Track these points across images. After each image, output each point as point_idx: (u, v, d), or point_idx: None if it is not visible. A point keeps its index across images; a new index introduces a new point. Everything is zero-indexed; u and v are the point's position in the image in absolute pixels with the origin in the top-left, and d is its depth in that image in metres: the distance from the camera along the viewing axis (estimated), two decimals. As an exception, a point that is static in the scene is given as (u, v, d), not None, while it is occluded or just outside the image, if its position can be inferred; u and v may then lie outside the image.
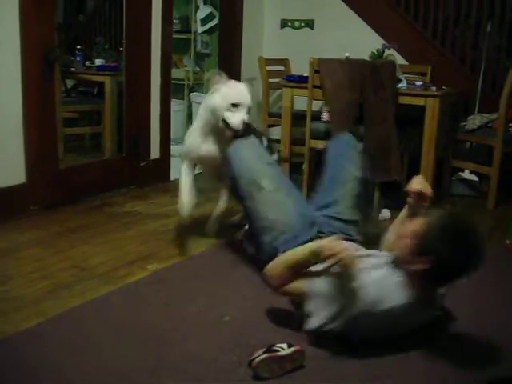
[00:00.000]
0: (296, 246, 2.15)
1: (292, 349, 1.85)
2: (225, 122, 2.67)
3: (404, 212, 2.32)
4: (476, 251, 1.89)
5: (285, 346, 1.86)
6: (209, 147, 2.82)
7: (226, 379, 1.81)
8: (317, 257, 1.96)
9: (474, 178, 4.52)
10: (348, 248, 1.94)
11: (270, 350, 1.83)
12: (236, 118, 2.64)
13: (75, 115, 5.30)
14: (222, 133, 2.71)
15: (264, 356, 1.80)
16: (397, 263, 2.01)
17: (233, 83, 2.75)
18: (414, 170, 4.01)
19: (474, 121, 4.30)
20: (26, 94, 3.26)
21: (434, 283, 1.98)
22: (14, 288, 2.39)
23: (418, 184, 2.23)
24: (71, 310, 2.21)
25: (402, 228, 2.09)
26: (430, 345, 2.01)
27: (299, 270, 2.04)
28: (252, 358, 1.81)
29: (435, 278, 1.94)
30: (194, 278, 2.52)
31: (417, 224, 1.98)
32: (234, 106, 2.64)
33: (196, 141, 2.85)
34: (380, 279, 1.98)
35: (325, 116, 3.96)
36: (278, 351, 1.83)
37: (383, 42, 4.53)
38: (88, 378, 1.77)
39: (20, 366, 1.82)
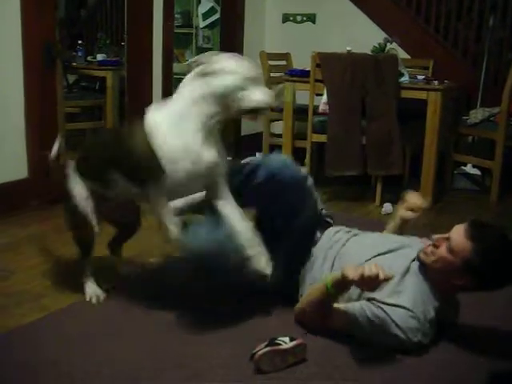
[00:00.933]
0: None
1: (294, 342, 1.85)
2: (244, 105, 1.93)
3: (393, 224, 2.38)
4: None
5: (287, 339, 1.86)
6: (211, 154, 1.99)
7: (227, 373, 1.81)
8: (338, 287, 1.89)
9: (477, 172, 4.51)
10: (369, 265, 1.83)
11: (272, 343, 1.83)
12: (262, 93, 1.92)
13: (77, 110, 5.31)
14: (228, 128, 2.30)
15: (266, 349, 1.80)
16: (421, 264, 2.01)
17: (230, 56, 1.99)
18: (416, 164, 4.02)
19: (477, 115, 4.29)
20: (27, 89, 3.26)
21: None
22: (15, 283, 2.39)
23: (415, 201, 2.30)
24: (72, 305, 2.22)
25: (441, 240, 1.96)
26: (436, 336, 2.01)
27: (324, 309, 1.98)
28: (254, 351, 1.81)
29: (469, 290, 1.95)
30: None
31: (461, 241, 1.89)
32: (251, 80, 1.92)
33: (197, 149, 1.94)
34: (416, 292, 1.95)
35: (321, 107, 3.93)
36: (280, 345, 1.83)
37: (385, 35, 4.51)
38: (88, 373, 1.78)
39: (21, 361, 1.82)
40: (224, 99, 1.92)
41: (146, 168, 1.94)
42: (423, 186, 3.87)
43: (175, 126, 1.93)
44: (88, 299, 2.25)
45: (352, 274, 1.77)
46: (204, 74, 1.92)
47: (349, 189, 4.09)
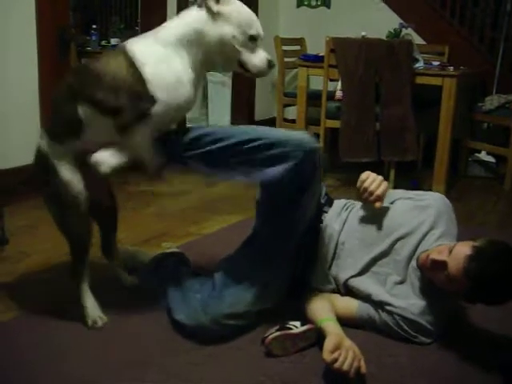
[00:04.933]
0: None
1: (305, 327, 1.86)
2: (240, 63, 1.80)
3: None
4: None
5: (298, 323, 1.87)
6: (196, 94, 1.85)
7: (239, 355, 1.83)
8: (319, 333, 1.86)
9: (491, 159, 4.49)
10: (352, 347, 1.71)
11: (283, 327, 1.84)
12: (260, 58, 1.79)
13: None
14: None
15: (277, 333, 1.81)
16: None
17: (238, 2, 1.81)
18: (430, 151, 4.01)
19: (492, 101, 4.26)
20: (41, 73, 3.27)
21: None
22: (30, 265, 2.42)
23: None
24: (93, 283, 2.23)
25: (439, 262, 1.84)
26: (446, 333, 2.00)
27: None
28: (265, 335, 1.82)
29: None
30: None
31: (459, 276, 1.76)
32: (253, 39, 1.77)
33: (185, 83, 1.77)
34: (419, 294, 1.93)
35: (338, 95, 3.93)
36: (291, 329, 1.84)
37: (400, 21, 4.48)
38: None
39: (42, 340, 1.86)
40: (222, 48, 1.77)
41: (134, 95, 1.72)
42: (437, 173, 3.86)
43: (167, 57, 1.76)
44: (90, 325, 1.92)
45: (327, 355, 1.65)
46: (211, 13, 1.74)
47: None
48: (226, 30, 1.75)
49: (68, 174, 1.87)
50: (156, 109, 1.73)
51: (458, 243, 1.84)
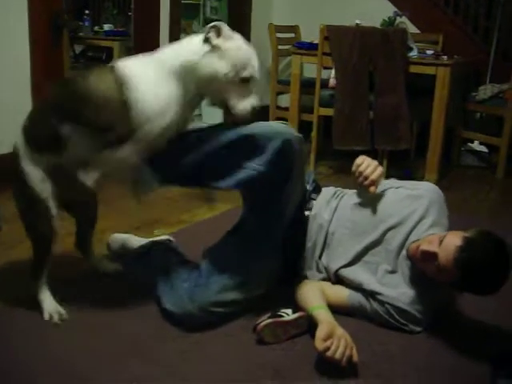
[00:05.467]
0: None
1: (296, 314, 1.87)
2: (226, 101, 1.75)
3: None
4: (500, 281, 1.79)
5: (289, 311, 1.87)
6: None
7: (230, 342, 1.83)
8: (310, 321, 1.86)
9: (484, 149, 4.50)
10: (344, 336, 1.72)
11: (274, 315, 1.84)
12: (244, 104, 1.74)
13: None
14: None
15: (269, 321, 1.81)
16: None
17: (240, 41, 1.74)
18: (423, 140, 4.01)
19: (485, 91, 4.26)
20: (34, 59, 3.24)
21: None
22: (23, 251, 2.41)
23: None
24: (78, 274, 2.23)
25: (428, 254, 1.84)
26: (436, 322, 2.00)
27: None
28: (257, 322, 1.83)
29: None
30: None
31: (449, 266, 1.77)
32: (244, 80, 1.72)
33: (173, 109, 1.73)
34: (410, 284, 1.94)
35: (332, 82, 3.92)
36: (282, 316, 1.84)
37: (395, 9, 4.47)
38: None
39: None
40: (209, 82, 1.72)
41: (119, 118, 1.69)
42: (429, 162, 3.86)
43: (160, 82, 1.71)
44: (47, 318, 1.88)
45: (319, 343, 1.66)
46: (210, 45, 1.70)
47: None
48: (219, 66, 1.69)
49: (37, 179, 1.83)
50: (141, 131, 1.70)
51: (448, 233, 1.85)
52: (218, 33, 1.69)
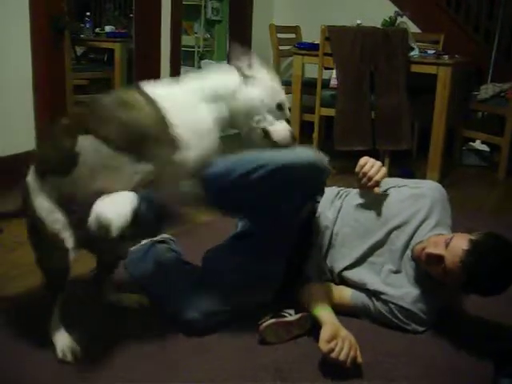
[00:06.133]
0: None
1: (299, 314, 1.87)
2: (264, 131, 1.75)
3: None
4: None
5: (292, 311, 1.88)
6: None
7: (233, 343, 1.83)
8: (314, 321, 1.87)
9: (485, 148, 4.50)
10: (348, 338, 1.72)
11: (277, 315, 1.85)
12: (283, 128, 1.76)
13: (85, 82, 5.29)
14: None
15: (271, 321, 1.82)
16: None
17: (267, 69, 1.80)
18: (424, 139, 4.01)
19: (487, 90, 4.26)
20: (35, 61, 3.25)
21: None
22: (24, 254, 2.41)
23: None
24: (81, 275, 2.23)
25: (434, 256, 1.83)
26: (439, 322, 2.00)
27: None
28: (259, 322, 1.83)
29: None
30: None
31: (455, 270, 1.76)
32: (279, 107, 1.75)
33: (213, 133, 1.71)
34: (414, 284, 1.94)
35: (332, 83, 3.93)
36: (284, 316, 1.85)
37: (396, 9, 4.47)
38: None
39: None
40: (247, 114, 1.73)
41: (155, 146, 1.61)
42: (431, 162, 3.86)
43: (195, 105, 1.69)
44: (60, 357, 1.73)
45: (323, 345, 1.67)
46: (244, 76, 1.73)
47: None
48: (256, 93, 1.72)
49: (45, 212, 1.69)
50: (184, 155, 1.63)
51: (454, 236, 1.83)
52: (250, 65, 1.74)
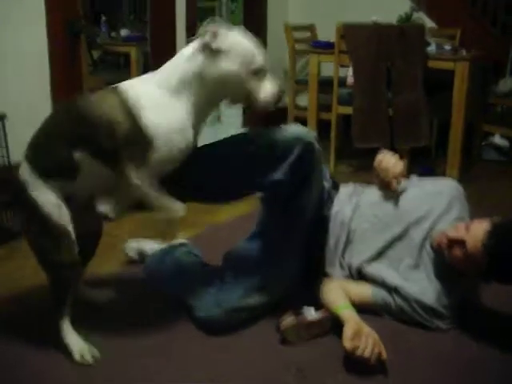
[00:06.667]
0: None
1: (320, 314, 1.86)
2: (246, 96, 1.69)
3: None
4: None
5: (312, 310, 1.87)
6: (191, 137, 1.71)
7: (253, 343, 1.83)
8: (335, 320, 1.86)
9: (505, 142, 4.44)
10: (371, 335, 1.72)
11: (297, 313, 1.84)
12: (266, 92, 1.68)
13: (102, 87, 5.32)
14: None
15: (292, 321, 1.81)
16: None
17: (238, 35, 1.67)
18: (443, 136, 3.97)
19: (505, 84, 4.22)
20: (52, 66, 3.27)
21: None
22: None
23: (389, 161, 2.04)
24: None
25: (455, 240, 1.83)
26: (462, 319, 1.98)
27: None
28: (279, 322, 1.82)
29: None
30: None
31: (477, 252, 1.76)
32: (257, 71, 1.66)
33: (187, 128, 1.68)
34: (433, 280, 1.93)
35: (349, 80, 3.91)
36: (305, 315, 1.84)
37: (412, 4, 4.44)
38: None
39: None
40: (225, 85, 1.66)
41: (130, 143, 1.62)
42: (451, 158, 3.83)
43: (168, 102, 1.65)
44: (79, 359, 1.71)
45: (347, 343, 1.67)
46: (209, 50, 1.62)
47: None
48: (227, 66, 1.62)
49: (52, 206, 1.70)
50: (155, 155, 1.63)
51: (474, 220, 1.83)
52: (215, 35, 1.61)
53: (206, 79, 1.64)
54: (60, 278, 1.73)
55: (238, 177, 1.81)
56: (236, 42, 1.64)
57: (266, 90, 1.68)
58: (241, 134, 1.90)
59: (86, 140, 1.66)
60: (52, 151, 1.70)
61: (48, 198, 1.70)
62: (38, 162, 1.72)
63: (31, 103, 3.20)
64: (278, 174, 1.76)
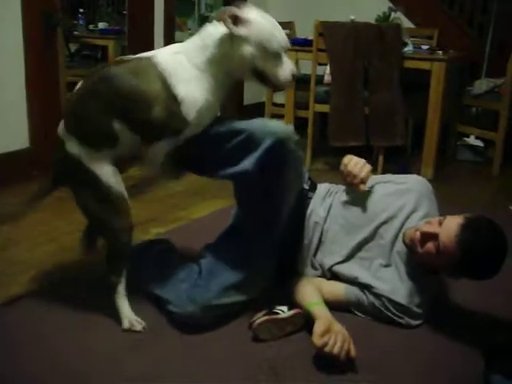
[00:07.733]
0: None
1: (292, 311, 1.87)
2: (261, 76, 1.75)
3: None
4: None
5: (285, 308, 1.87)
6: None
7: (226, 341, 1.83)
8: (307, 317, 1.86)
9: (479, 143, 4.50)
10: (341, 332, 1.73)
11: (270, 312, 1.85)
12: (286, 73, 1.74)
13: (79, 79, 5.27)
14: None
15: (264, 318, 1.82)
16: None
17: (258, 17, 1.76)
18: (418, 135, 4.01)
19: (481, 85, 4.26)
20: (28, 58, 3.23)
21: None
22: (20, 252, 2.41)
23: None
24: (76, 272, 2.23)
25: (428, 235, 1.84)
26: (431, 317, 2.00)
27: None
28: (252, 319, 1.83)
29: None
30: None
31: (450, 247, 1.77)
32: (275, 54, 1.73)
33: (215, 105, 1.80)
34: (404, 279, 1.95)
35: (326, 79, 3.92)
36: (277, 314, 1.85)
37: (390, 4, 4.46)
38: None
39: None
40: (245, 66, 1.73)
41: (166, 119, 1.71)
42: (425, 157, 3.86)
43: (200, 78, 1.73)
44: (127, 326, 1.85)
45: (317, 339, 1.67)
46: (234, 35, 1.69)
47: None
48: (245, 50, 1.70)
49: (109, 175, 1.80)
50: (186, 131, 1.74)
51: (447, 216, 1.86)
52: (235, 20, 1.68)
53: (229, 61, 1.73)
54: (121, 243, 1.85)
55: (212, 155, 1.83)
56: (256, 27, 1.71)
57: (286, 70, 1.75)
58: (224, 118, 1.88)
59: (123, 112, 1.72)
60: (93, 122, 1.75)
61: (105, 169, 1.79)
62: (82, 133, 1.77)
63: (5, 96, 3.16)
64: (245, 164, 1.76)
